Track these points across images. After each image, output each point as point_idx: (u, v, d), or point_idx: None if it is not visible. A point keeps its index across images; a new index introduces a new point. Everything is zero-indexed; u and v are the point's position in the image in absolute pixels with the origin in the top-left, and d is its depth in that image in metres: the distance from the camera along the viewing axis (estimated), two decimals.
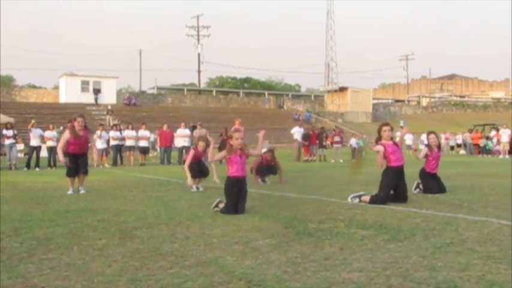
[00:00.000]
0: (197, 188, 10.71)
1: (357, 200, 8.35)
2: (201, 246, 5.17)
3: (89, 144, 11.32)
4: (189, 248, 5.08)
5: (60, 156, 10.69)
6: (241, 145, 7.62)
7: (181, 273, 4.16)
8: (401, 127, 25.61)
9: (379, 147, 8.45)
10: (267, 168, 12.62)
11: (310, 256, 4.65)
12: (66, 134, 10.71)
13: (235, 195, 7.37)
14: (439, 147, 10.12)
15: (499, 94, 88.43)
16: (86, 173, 10.75)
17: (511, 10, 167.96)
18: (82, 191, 10.45)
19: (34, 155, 20.55)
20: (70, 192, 10.36)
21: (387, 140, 8.51)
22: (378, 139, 8.59)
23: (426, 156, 9.89)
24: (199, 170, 10.76)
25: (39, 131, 21.02)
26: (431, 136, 10.14)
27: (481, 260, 4.41)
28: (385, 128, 8.55)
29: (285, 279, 3.94)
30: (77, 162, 10.67)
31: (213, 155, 8.21)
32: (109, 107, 45.63)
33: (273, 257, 4.62)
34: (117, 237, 5.67)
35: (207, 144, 9.81)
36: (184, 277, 4.04)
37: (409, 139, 32.58)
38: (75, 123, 10.63)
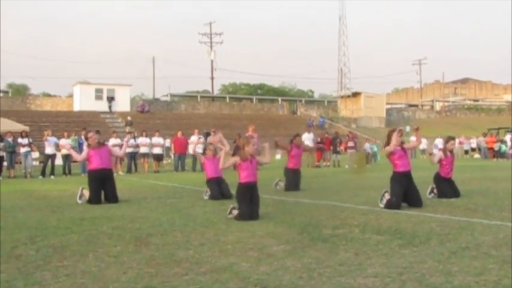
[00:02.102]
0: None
1: (385, 200, 8.40)
2: (216, 252, 5.18)
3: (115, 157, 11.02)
4: (204, 254, 5.10)
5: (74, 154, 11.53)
6: (255, 151, 7.66)
7: (196, 279, 4.17)
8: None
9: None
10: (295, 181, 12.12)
11: (325, 262, 4.64)
12: (85, 151, 10.91)
13: (248, 201, 7.38)
14: (451, 151, 10.09)
15: None
16: (116, 200, 9.96)
17: None
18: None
19: (49, 163, 20.69)
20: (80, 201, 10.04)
21: (397, 145, 8.59)
22: (387, 144, 8.70)
23: (440, 161, 9.87)
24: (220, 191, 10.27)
25: (54, 139, 21.16)
26: (452, 142, 10.13)
27: (496, 264, 4.38)
28: (396, 133, 8.66)
29: (300, 285, 3.93)
30: (103, 188, 9.98)
31: (224, 162, 8.14)
32: (129, 118, 45.28)
33: (288, 263, 4.62)
34: (132, 244, 5.69)
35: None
36: (199, 284, 4.05)
37: (423, 143, 32.36)
38: (89, 139, 10.45)
